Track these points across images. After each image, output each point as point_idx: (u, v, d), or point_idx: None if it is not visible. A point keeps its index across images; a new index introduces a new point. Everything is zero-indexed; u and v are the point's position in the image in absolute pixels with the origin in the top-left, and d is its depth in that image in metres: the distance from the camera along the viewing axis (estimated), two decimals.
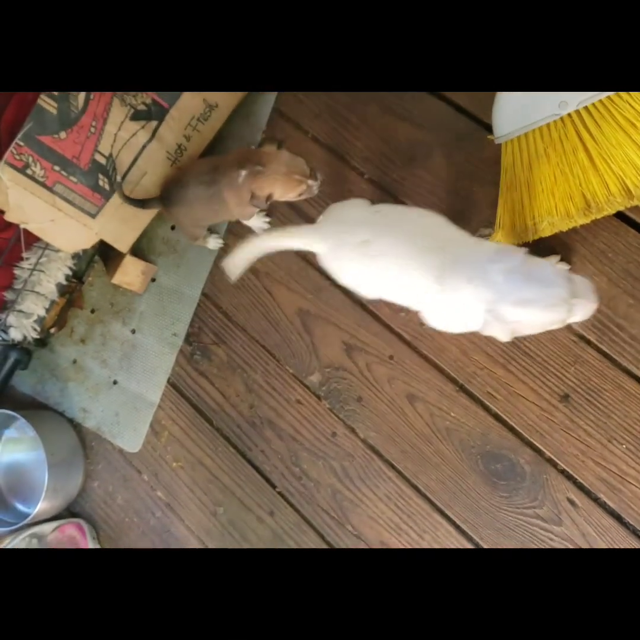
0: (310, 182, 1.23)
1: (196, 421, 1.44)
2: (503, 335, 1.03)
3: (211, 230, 1.45)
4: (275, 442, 1.38)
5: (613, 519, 1.14)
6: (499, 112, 1.18)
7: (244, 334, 1.42)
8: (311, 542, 1.34)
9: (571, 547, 1.15)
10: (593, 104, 1.12)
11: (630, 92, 1.10)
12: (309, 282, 1.38)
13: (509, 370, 1.22)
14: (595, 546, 1.14)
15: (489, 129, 1.21)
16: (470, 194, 1.26)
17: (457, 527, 1.23)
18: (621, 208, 1.15)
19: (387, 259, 1.06)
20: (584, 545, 1.15)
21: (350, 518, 1.31)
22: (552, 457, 1.18)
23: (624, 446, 1.14)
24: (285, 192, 1.23)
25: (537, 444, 1.19)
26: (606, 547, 1.13)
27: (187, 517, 1.44)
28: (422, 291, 1.05)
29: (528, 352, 1.20)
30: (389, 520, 1.28)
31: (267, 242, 1.19)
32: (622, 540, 1.13)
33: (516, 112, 1.17)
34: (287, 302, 1.40)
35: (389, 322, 1.31)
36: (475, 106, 1.27)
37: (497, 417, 1.22)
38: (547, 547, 1.17)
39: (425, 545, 1.25)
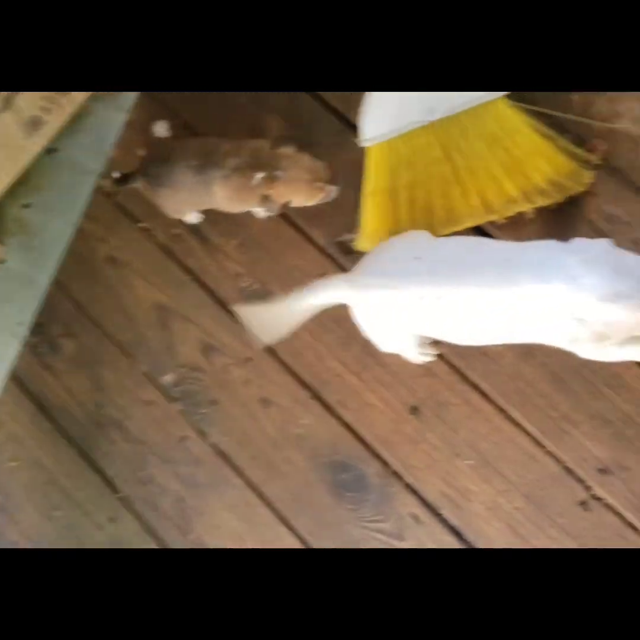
0: (329, 187, 1.15)
1: (37, 419, 1.33)
2: (588, 347, 0.93)
3: None
4: (121, 445, 1.29)
5: (453, 535, 1.12)
6: (367, 114, 1.16)
7: (96, 327, 1.33)
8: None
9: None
10: (459, 114, 1.12)
11: (495, 106, 1.11)
12: (170, 276, 1.31)
13: (362, 378, 1.19)
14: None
15: (356, 130, 1.19)
16: (336, 198, 1.23)
17: (302, 540, 1.19)
18: (480, 222, 1.14)
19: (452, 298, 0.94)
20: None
21: (194, 526, 1.24)
22: (399, 470, 1.16)
23: (469, 462, 1.13)
24: (304, 200, 1.16)
25: (385, 456, 1.17)
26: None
27: (22, 519, 1.33)
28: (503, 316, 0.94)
29: (381, 361, 1.18)
30: (233, 530, 1.22)
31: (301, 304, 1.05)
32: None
33: (383, 116, 1.15)
34: (144, 295, 1.32)
35: None
36: (344, 106, 1.24)
37: (347, 426, 1.19)
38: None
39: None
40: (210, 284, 1.29)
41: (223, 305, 1.28)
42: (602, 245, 0.90)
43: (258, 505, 1.22)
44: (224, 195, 1.16)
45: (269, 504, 1.21)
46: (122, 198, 1.35)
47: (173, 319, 1.30)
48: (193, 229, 1.31)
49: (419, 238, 1.05)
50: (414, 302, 0.96)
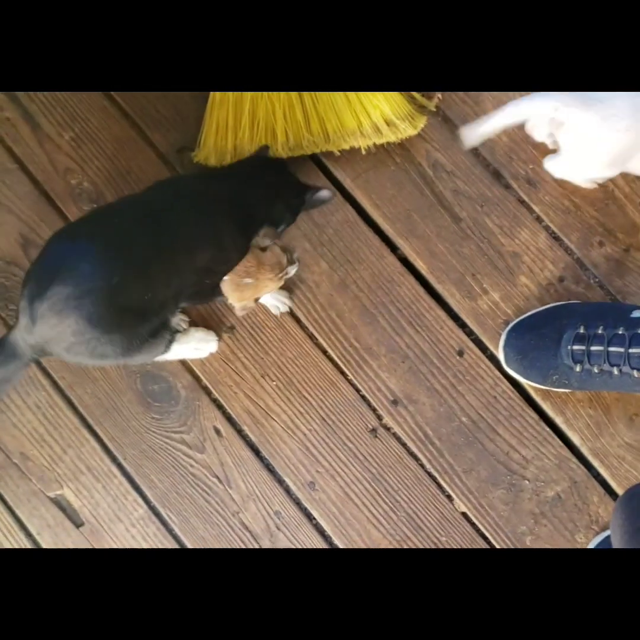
0: (289, 268, 1.09)
1: None
2: None
3: None
4: None
5: (251, 451, 1.16)
6: None
7: None
8: None
9: (209, 475, 1.16)
10: None
11: None
12: None
13: None
14: (230, 476, 1.16)
15: None
16: (180, 106, 1.20)
17: (103, 445, 1.18)
18: (317, 151, 1.16)
19: None
20: (221, 474, 1.16)
21: None
22: (208, 385, 1.18)
23: (274, 383, 1.16)
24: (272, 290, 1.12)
25: (197, 371, 1.18)
26: (239, 477, 1.15)
27: None
28: None
29: None
30: (34, 431, 1.19)
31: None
32: (255, 473, 1.15)
33: None
34: None
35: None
36: None
37: None
38: (187, 473, 1.16)
39: (67, 460, 1.18)
40: (38, 176, 1.22)
41: (48, 200, 1.22)
42: None
43: (63, 408, 1.19)
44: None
45: (74, 407, 1.19)
46: None
47: None
48: (25, 114, 1.23)
49: None
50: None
